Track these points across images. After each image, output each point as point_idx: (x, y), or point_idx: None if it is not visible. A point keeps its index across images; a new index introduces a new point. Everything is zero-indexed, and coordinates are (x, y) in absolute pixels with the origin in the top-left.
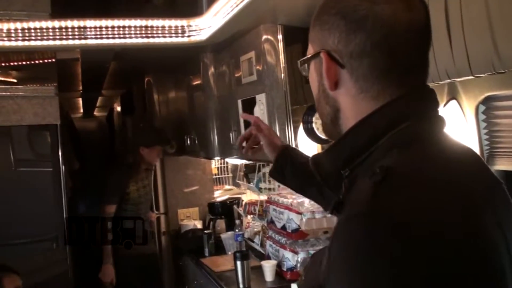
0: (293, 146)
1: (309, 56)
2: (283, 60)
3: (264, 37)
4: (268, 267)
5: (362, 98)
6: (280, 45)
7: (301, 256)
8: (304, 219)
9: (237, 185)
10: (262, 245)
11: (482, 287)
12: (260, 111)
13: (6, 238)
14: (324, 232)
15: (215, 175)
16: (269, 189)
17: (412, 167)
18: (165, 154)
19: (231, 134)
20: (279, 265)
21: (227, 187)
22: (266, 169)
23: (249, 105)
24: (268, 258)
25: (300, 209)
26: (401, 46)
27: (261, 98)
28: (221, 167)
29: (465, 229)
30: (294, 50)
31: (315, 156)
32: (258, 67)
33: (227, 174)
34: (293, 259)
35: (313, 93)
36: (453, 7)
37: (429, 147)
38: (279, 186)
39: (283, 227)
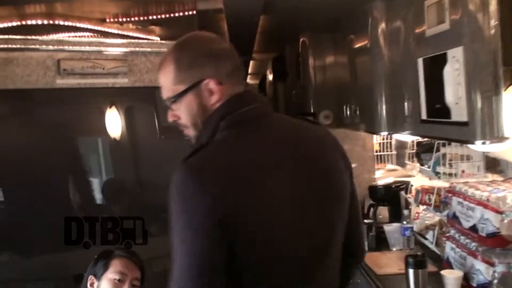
0: (498, 118)
1: (186, 88)
2: (494, 2)
3: None
4: (451, 279)
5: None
6: None
7: (499, 269)
8: (506, 221)
9: (402, 165)
10: (438, 244)
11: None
12: (454, 71)
13: (155, 209)
14: None
15: (377, 151)
16: (450, 174)
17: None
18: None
19: (405, 103)
20: (465, 277)
21: (389, 166)
22: (448, 149)
23: (435, 65)
24: (448, 264)
25: (501, 206)
26: (227, 61)
27: (456, 54)
28: (383, 143)
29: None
30: None
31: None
32: (452, 14)
33: (390, 151)
34: (487, 272)
35: (188, 119)
36: None
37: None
38: (463, 171)
39: (473, 228)
